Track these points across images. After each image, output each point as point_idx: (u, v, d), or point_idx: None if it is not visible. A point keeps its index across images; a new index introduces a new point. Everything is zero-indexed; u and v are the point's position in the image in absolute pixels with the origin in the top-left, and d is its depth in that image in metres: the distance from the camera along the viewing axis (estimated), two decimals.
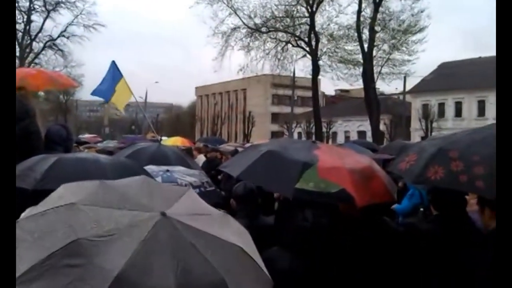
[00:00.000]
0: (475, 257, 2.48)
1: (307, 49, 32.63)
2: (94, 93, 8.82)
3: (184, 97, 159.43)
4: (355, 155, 3.49)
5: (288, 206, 2.72)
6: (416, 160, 2.62)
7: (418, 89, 48.31)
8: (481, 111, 43.18)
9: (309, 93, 38.52)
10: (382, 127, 37.71)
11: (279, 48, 33.31)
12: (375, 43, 31.41)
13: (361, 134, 46.38)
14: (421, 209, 6.51)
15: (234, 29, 32.59)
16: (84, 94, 49.56)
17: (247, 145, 9.96)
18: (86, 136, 22.38)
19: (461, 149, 2.48)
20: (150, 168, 3.82)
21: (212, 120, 61.31)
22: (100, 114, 79.46)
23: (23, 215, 2.35)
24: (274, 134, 54.56)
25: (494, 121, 2.63)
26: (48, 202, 1.97)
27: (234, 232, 1.99)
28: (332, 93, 67.97)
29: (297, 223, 2.53)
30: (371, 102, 31.73)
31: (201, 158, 9.66)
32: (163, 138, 15.13)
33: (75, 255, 1.66)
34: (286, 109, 52.03)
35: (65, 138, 4.52)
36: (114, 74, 8.76)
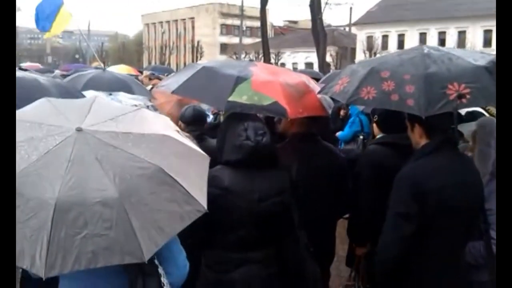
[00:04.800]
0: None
1: None
2: (42, 28, 8.43)
3: (130, 26, 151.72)
4: (292, 73, 3.46)
5: (230, 125, 2.64)
6: (349, 82, 2.60)
7: (363, 21, 48.62)
8: (423, 43, 44.18)
9: (258, 23, 38.15)
10: (328, 58, 38.24)
11: None
12: None
13: (309, 65, 46.75)
14: (361, 136, 6.81)
15: None
16: (24, 20, 46.48)
17: None
18: (27, 64, 21.56)
19: (392, 69, 2.47)
20: (90, 93, 3.58)
21: (160, 50, 59.75)
22: (41, 41, 75.44)
23: None
24: None
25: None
26: None
27: (167, 152, 1.92)
28: (281, 23, 67.42)
29: (240, 142, 2.51)
30: (318, 33, 31.98)
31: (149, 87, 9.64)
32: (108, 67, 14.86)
33: None
34: (235, 40, 51.35)
35: None
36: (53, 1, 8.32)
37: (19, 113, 1.94)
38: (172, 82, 3.07)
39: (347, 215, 3.42)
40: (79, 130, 1.80)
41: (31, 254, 1.59)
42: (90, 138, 1.79)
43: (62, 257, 1.60)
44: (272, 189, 2.54)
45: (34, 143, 1.75)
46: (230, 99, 2.72)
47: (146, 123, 2.02)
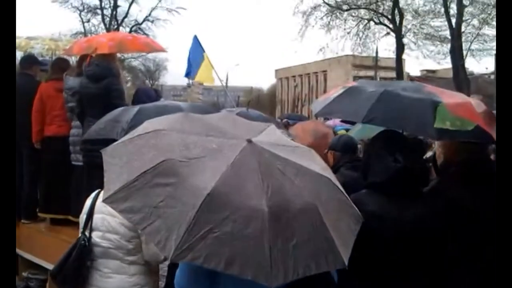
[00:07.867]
0: None
1: (391, 26, 31.42)
2: (187, 75, 9.22)
3: (264, 81, 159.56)
4: (455, 93, 3.20)
5: (377, 146, 2.55)
6: None
7: None
8: None
9: (392, 74, 37.12)
10: None
11: (360, 27, 32.43)
12: (463, 18, 29.60)
13: None
14: None
15: (315, 7, 32.11)
16: (169, 78, 51.12)
17: (328, 122, 9.73)
18: None
19: None
20: None
21: (293, 102, 61.15)
22: (183, 98, 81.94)
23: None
24: None
25: None
26: (133, 132, 2.00)
27: (321, 166, 2.02)
28: (417, 73, 65.02)
29: (388, 164, 2.39)
30: (460, 81, 30.04)
31: None
32: None
33: (166, 174, 1.70)
34: None
35: (153, 98, 4.68)
36: (197, 49, 8.94)
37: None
38: (346, 110, 2.70)
39: None
40: (249, 141, 1.88)
41: (254, 264, 1.62)
42: (262, 150, 1.88)
43: (283, 267, 1.63)
44: (424, 216, 2.39)
45: (213, 154, 1.81)
46: (436, 126, 2.47)
47: (308, 159, 2.06)
